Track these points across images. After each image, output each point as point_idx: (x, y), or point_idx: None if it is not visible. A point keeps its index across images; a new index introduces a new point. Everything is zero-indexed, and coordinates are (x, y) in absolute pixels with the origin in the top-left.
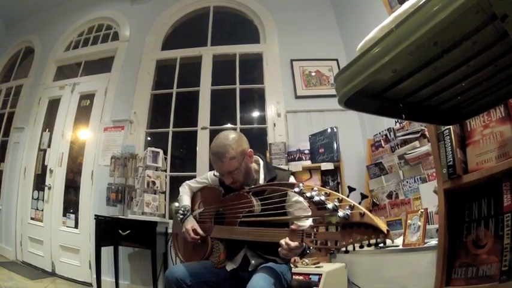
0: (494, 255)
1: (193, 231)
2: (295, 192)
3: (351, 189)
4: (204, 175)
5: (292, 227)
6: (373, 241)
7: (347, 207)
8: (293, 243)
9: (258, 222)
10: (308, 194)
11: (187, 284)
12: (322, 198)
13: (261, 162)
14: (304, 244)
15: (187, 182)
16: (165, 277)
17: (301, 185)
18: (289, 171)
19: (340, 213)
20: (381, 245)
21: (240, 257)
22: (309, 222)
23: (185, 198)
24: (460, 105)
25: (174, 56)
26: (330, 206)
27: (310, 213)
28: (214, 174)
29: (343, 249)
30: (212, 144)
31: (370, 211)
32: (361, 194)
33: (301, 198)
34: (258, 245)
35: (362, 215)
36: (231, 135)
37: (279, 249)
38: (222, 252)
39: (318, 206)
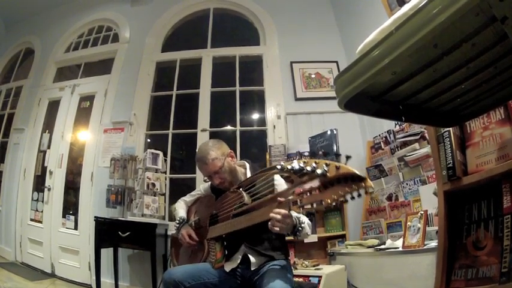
0: (494, 257)
1: (188, 236)
2: (277, 169)
3: (348, 157)
4: (197, 188)
5: (279, 198)
6: (355, 193)
7: (323, 165)
8: (283, 210)
9: (249, 210)
10: (289, 167)
11: (186, 286)
12: (301, 165)
13: (247, 165)
14: (292, 213)
15: (182, 198)
16: (163, 279)
17: (281, 162)
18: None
19: (319, 171)
20: (381, 246)
21: (239, 255)
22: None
23: (180, 211)
24: (460, 107)
25: (174, 58)
26: (308, 168)
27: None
28: (204, 180)
29: (329, 206)
30: (196, 155)
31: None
32: (346, 156)
33: (283, 183)
34: (255, 241)
35: (337, 167)
36: (210, 142)
37: (270, 224)
38: (218, 251)
39: (299, 174)
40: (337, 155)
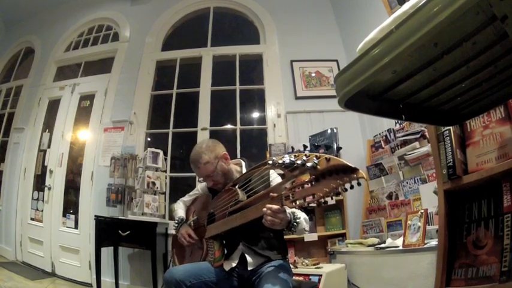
0: (494, 256)
1: (188, 236)
2: (269, 165)
3: (339, 148)
4: (195, 188)
5: (271, 194)
6: (347, 184)
7: (314, 158)
8: (274, 206)
9: (244, 207)
10: (280, 161)
11: (187, 285)
12: (292, 159)
13: (243, 163)
14: (285, 208)
15: (181, 198)
16: (164, 278)
17: (273, 158)
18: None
19: (309, 164)
20: (382, 245)
21: (237, 255)
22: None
23: (179, 211)
24: (460, 106)
25: (174, 57)
26: (299, 162)
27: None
28: (199, 181)
29: (322, 200)
30: (190, 156)
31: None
32: (337, 147)
33: (278, 178)
34: (253, 240)
35: (328, 159)
36: (205, 144)
37: (263, 220)
38: (217, 249)
39: (290, 168)
40: (338, 149)
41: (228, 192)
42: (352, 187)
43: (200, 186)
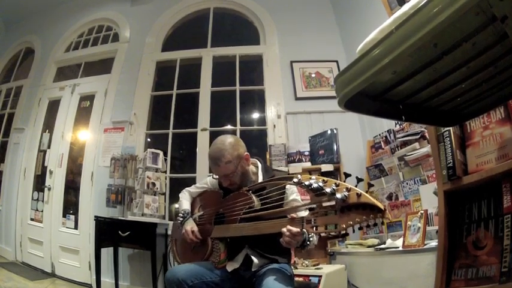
0: (494, 257)
1: (192, 233)
2: (294, 182)
3: (347, 175)
4: (204, 180)
5: (292, 215)
6: (371, 221)
7: (344, 189)
8: (295, 229)
9: (258, 217)
10: (306, 183)
11: (189, 285)
12: (320, 184)
13: (259, 165)
14: (304, 231)
15: (187, 188)
16: (166, 278)
17: (299, 176)
18: (287, 172)
19: (338, 196)
20: (381, 246)
21: (241, 257)
22: (306, 213)
23: (185, 202)
24: (460, 107)
25: (174, 57)
26: (328, 190)
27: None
28: (213, 177)
29: (343, 232)
30: (210, 148)
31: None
32: (357, 177)
33: (298, 197)
34: (259, 243)
35: (359, 195)
36: (228, 140)
37: (281, 239)
38: (222, 251)
39: (316, 193)
40: (346, 175)
41: (242, 196)
42: (375, 225)
43: (210, 181)
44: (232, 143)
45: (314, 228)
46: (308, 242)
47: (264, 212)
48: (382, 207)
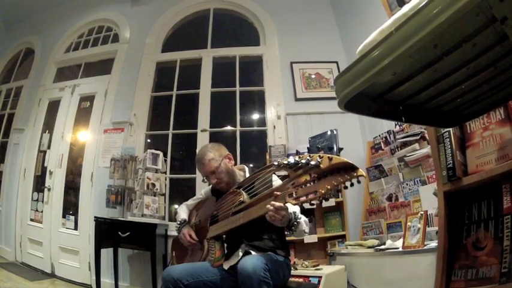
0: (494, 257)
1: (189, 236)
2: (275, 166)
3: (340, 149)
4: (199, 192)
5: (275, 192)
6: (348, 182)
7: (317, 157)
8: (277, 203)
9: (248, 207)
10: (285, 162)
11: (184, 284)
12: (296, 159)
13: (246, 169)
14: (287, 206)
15: (184, 202)
16: (162, 277)
17: (278, 159)
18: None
19: (312, 162)
20: (381, 247)
21: (240, 253)
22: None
23: (182, 213)
24: (460, 108)
25: (174, 58)
26: (303, 161)
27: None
28: (202, 181)
29: (322, 196)
30: (196, 156)
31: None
32: (338, 148)
33: (280, 181)
34: (256, 238)
35: (330, 158)
36: (209, 144)
37: (266, 215)
38: (217, 249)
39: (294, 168)
40: (339, 150)
41: (232, 194)
42: (352, 185)
43: (204, 191)
44: (214, 145)
45: (296, 200)
46: (295, 223)
47: (252, 200)
48: (354, 165)
